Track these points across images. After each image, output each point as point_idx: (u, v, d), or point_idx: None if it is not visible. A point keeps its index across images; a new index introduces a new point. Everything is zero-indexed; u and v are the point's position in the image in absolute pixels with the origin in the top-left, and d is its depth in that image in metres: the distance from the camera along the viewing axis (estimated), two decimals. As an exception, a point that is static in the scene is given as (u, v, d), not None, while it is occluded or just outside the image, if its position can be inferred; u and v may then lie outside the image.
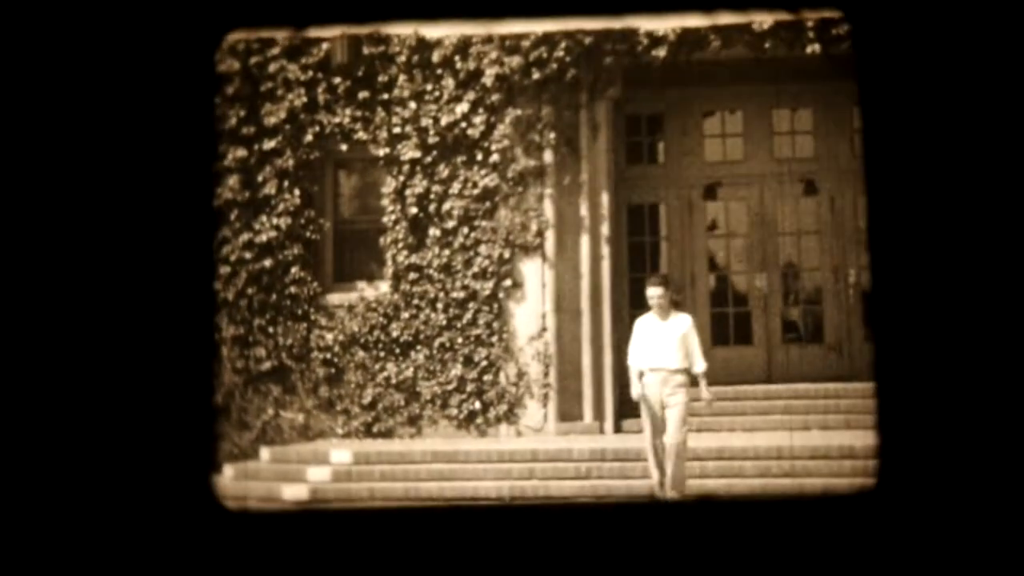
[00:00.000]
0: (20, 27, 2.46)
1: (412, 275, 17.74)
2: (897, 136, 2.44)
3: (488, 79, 17.55)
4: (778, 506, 2.55)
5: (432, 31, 17.26)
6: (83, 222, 2.46)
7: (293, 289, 18.13)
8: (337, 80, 18.11)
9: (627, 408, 16.99)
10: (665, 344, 13.15)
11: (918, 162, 2.44)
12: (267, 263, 18.18)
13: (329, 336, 17.95)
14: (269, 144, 18.27)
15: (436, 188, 17.75)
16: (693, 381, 13.19)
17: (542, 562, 2.51)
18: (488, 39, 17.50)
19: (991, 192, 2.42)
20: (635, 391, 13.28)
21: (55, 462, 2.45)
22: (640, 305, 18.15)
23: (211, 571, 2.46)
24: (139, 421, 2.47)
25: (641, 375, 13.21)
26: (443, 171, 17.73)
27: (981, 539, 2.39)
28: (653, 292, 13.48)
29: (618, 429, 16.93)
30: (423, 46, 17.78)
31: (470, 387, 17.47)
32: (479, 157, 17.65)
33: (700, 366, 13.27)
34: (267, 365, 18.06)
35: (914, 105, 2.44)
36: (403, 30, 17.07)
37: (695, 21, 15.90)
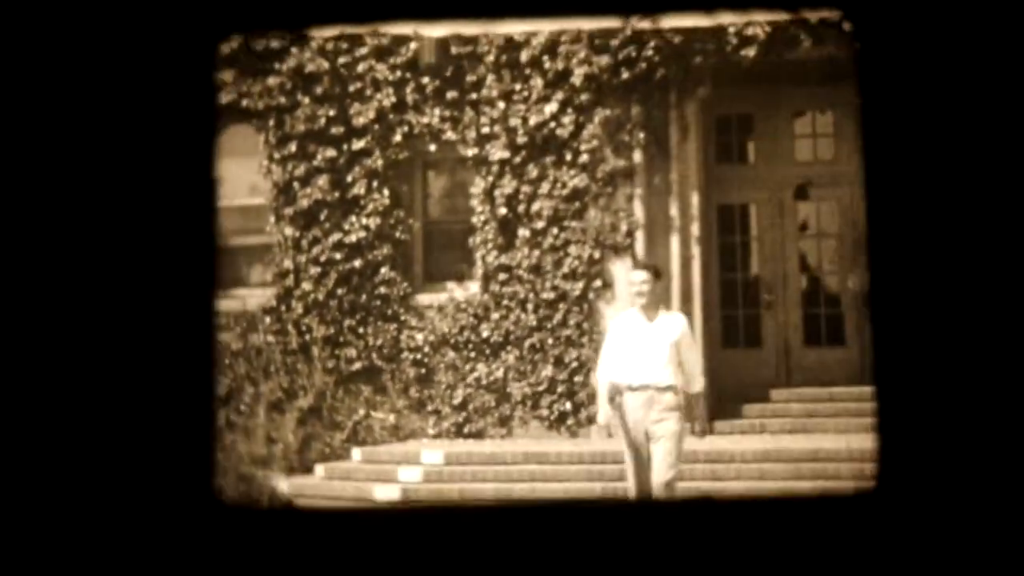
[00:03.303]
0: (18, 27, 2.47)
1: (502, 276, 17.74)
2: (898, 137, 2.43)
3: (577, 79, 17.53)
4: (777, 507, 2.53)
5: (432, 30, 17.26)
6: (83, 225, 2.47)
7: (383, 289, 18.19)
8: (425, 80, 18.15)
9: (718, 410, 16.93)
10: (651, 352, 10.12)
11: (919, 164, 2.42)
12: (357, 263, 18.24)
13: (419, 336, 17.99)
14: (358, 144, 18.34)
15: (525, 188, 17.74)
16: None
17: (537, 563, 2.50)
18: (576, 38, 17.48)
19: (993, 194, 2.40)
20: (602, 415, 10.38)
21: (54, 461, 2.46)
22: (730, 304, 18.13)
23: (207, 567, 2.47)
24: (138, 416, 2.48)
25: (616, 394, 10.19)
26: (532, 171, 17.72)
27: (982, 541, 2.38)
28: (636, 276, 10.57)
29: (710, 430, 16.81)
30: (511, 46, 17.78)
31: (561, 388, 17.46)
32: (568, 157, 17.62)
33: (698, 384, 10.37)
34: (358, 365, 18.13)
35: (915, 105, 2.42)
36: (402, 29, 17.07)
37: (695, 21, 15.83)
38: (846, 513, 2.44)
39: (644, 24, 16.25)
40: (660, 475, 10.15)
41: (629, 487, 10.57)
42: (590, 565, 2.49)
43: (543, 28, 17.07)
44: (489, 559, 2.50)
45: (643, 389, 10.06)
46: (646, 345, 10.15)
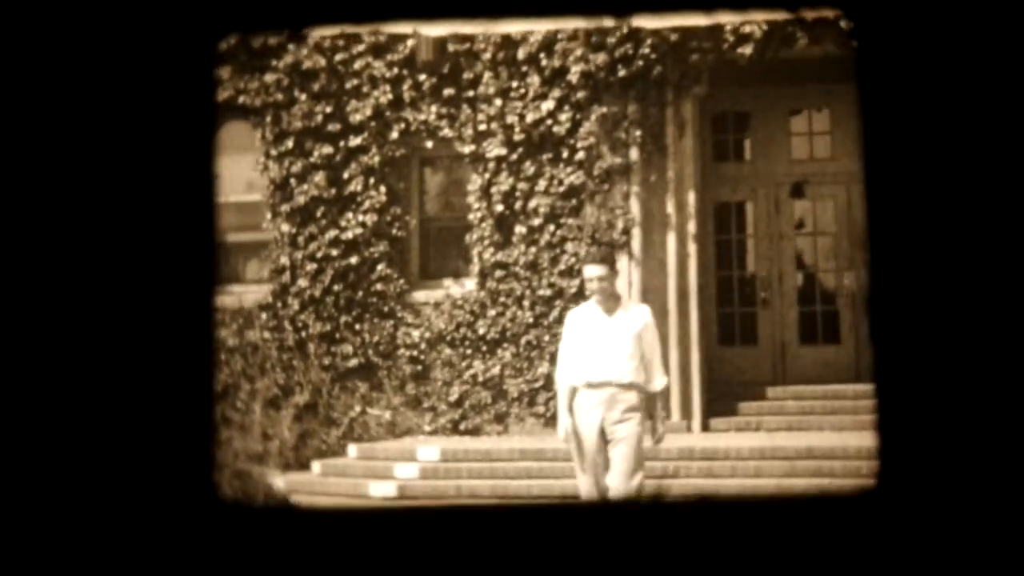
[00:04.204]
0: (17, 23, 2.48)
1: (498, 272, 17.75)
2: (898, 136, 2.43)
3: (574, 76, 17.53)
4: (776, 507, 2.54)
5: (432, 30, 17.26)
6: (84, 222, 2.48)
7: (379, 286, 18.19)
8: (422, 77, 18.15)
9: (715, 407, 16.96)
10: (612, 347, 9.40)
11: (919, 162, 2.42)
12: (353, 260, 18.25)
13: (416, 333, 18.00)
14: (355, 141, 18.34)
15: (522, 185, 17.75)
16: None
17: (535, 564, 2.50)
18: (573, 36, 17.49)
19: (993, 192, 2.41)
20: (563, 426, 9.51)
21: (53, 457, 2.47)
22: (726, 302, 18.14)
23: (206, 562, 2.48)
24: (138, 413, 2.49)
25: (573, 395, 9.47)
26: (529, 168, 17.73)
27: (983, 541, 2.38)
28: (592, 272, 9.58)
29: (706, 428, 16.87)
30: (508, 43, 17.78)
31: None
32: (565, 154, 17.63)
33: (660, 382, 9.62)
34: (354, 362, 18.13)
35: (915, 104, 2.43)
36: (401, 29, 17.07)
37: (694, 20, 15.84)
38: (845, 513, 2.45)
39: (641, 23, 16.26)
40: (621, 484, 9.28)
41: (581, 496, 9.66)
42: (586, 565, 2.49)
43: (542, 27, 17.07)
44: (485, 559, 2.50)
45: (602, 387, 9.32)
46: (606, 340, 9.41)
